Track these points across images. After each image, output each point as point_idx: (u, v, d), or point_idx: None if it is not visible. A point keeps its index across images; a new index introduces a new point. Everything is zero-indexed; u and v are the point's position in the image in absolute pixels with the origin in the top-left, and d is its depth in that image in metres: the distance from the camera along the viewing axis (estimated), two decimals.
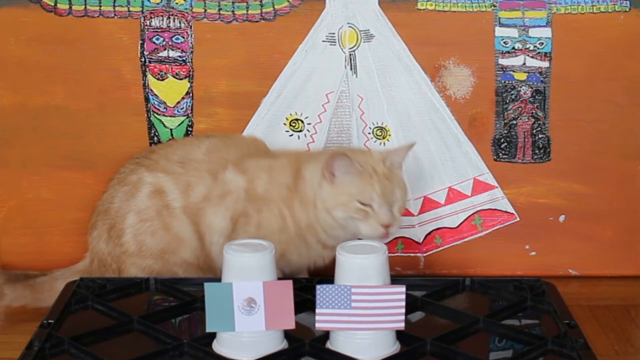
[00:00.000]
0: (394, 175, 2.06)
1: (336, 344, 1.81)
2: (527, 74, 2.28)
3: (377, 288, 1.76)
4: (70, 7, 2.24)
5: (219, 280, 1.83)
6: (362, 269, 1.78)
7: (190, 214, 2.11)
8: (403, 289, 1.77)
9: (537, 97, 2.28)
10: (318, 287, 1.76)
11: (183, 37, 2.26)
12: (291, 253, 2.11)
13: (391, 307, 1.77)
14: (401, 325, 1.77)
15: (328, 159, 2.03)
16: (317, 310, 1.76)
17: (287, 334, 1.83)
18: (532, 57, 2.27)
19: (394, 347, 1.81)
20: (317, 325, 1.77)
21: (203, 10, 2.26)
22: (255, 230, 2.09)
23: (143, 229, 2.13)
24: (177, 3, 2.25)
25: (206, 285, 1.79)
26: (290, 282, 1.78)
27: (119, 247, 2.15)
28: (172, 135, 2.29)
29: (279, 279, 1.82)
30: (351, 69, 2.27)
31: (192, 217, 2.12)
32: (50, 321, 1.90)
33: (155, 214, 2.13)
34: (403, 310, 1.77)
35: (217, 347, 1.82)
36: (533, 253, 2.33)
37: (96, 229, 2.19)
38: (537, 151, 2.30)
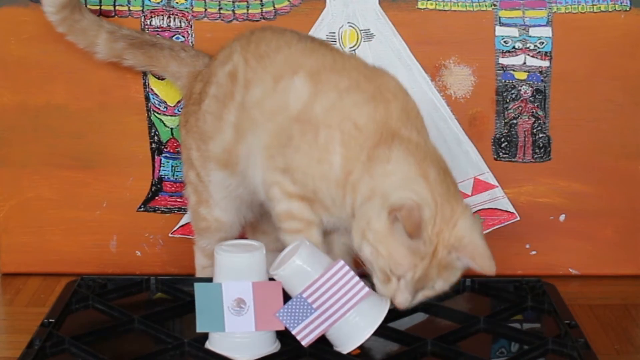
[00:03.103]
0: (448, 267, 1.76)
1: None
2: (527, 73, 2.28)
3: (320, 278, 1.75)
4: None
5: (210, 280, 1.83)
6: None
7: (240, 111, 1.94)
8: (341, 263, 1.75)
9: (537, 96, 2.28)
10: (281, 311, 1.75)
11: (183, 37, 2.26)
12: (324, 196, 1.83)
13: (346, 284, 1.74)
14: (367, 291, 1.75)
15: (405, 210, 1.69)
16: (293, 332, 1.75)
17: (282, 334, 1.83)
18: (532, 56, 2.27)
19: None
20: (304, 342, 1.76)
21: (203, 10, 2.26)
22: (292, 154, 1.83)
23: (210, 107, 2.01)
24: (177, 2, 2.25)
25: (196, 285, 1.80)
26: (279, 283, 1.78)
27: (198, 107, 2.04)
28: (172, 134, 2.29)
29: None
30: None
31: (240, 115, 1.94)
32: (50, 320, 1.91)
33: (224, 95, 1.98)
34: (358, 280, 1.75)
35: (209, 346, 1.82)
36: (533, 252, 2.33)
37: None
38: (537, 150, 2.30)
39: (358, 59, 1.95)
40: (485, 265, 1.76)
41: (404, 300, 1.76)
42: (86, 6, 2.22)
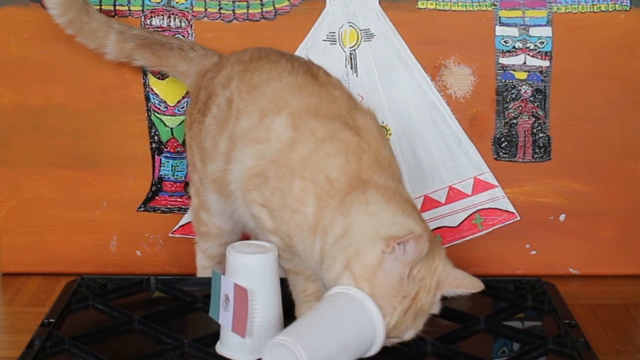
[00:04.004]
0: (427, 312, 1.73)
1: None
2: (527, 73, 2.28)
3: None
4: None
5: (209, 280, 1.83)
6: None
7: (230, 141, 1.93)
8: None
9: (537, 96, 2.28)
10: None
11: (183, 37, 2.26)
12: (297, 241, 1.82)
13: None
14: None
15: (410, 237, 1.64)
16: None
17: None
18: (532, 56, 2.27)
19: None
20: None
21: (203, 10, 2.26)
22: (268, 195, 1.83)
23: (211, 127, 2.00)
24: (177, 2, 2.25)
25: (213, 271, 1.81)
26: (246, 290, 1.74)
27: (202, 117, 2.02)
28: (172, 134, 2.29)
29: None
30: (352, 68, 2.27)
31: (230, 145, 1.94)
32: (50, 320, 1.91)
33: (222, 120, 1.97)
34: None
35: (220, 347, 1.82)
36: (533, 252, 2.33)
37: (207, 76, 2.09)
38: (537, 150, 2.30)
39: (344, 101, 1.91)
40: (472, 284, 1.73)
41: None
42: None
